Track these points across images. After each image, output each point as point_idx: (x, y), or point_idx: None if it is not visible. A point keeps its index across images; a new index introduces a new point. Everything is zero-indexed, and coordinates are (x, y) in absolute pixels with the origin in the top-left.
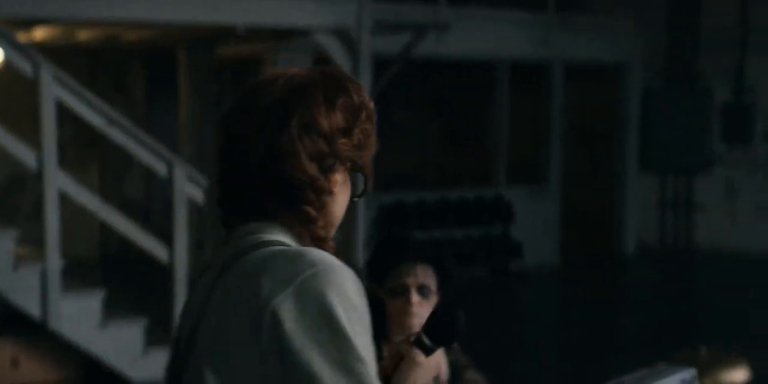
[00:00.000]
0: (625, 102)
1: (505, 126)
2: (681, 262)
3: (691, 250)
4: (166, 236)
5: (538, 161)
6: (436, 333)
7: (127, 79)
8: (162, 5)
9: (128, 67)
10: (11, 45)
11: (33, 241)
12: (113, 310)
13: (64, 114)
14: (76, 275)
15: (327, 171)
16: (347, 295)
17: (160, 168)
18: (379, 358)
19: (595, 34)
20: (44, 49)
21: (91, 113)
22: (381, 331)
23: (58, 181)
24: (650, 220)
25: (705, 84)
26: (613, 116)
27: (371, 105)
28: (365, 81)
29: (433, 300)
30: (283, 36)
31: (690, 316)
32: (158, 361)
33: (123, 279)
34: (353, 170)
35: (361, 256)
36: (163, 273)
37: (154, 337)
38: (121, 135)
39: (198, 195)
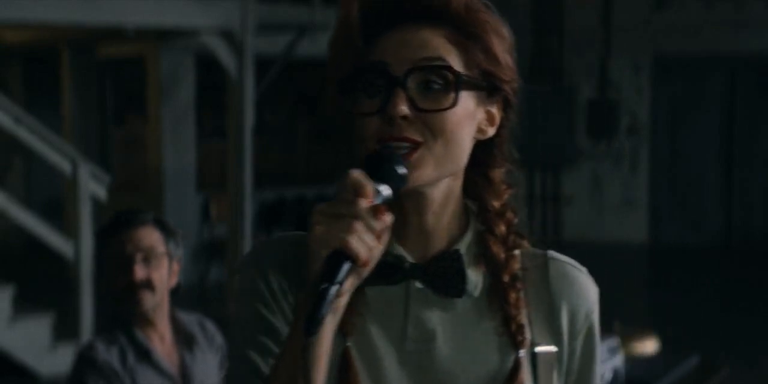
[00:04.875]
0: None
1: None
2: None
3: (560, 242)
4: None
5: None
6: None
7: (6, 77)
8: (44, 5)
9: (7, 66)
10: None
11: None
12: (20, 304)
13: None
14: None
15: None
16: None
17: (65, 166)
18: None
19: None
20: None
21: None
22: None
23: None
24: (519, 214)
25: (570, 82)
26: None
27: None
28: (248, 82)
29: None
30: (166, 36)
31: None
32: (66, 356)
33: (25, 273)
34: None
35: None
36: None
37: (60, 332)
38: (27, 134)
39: (101, 192)
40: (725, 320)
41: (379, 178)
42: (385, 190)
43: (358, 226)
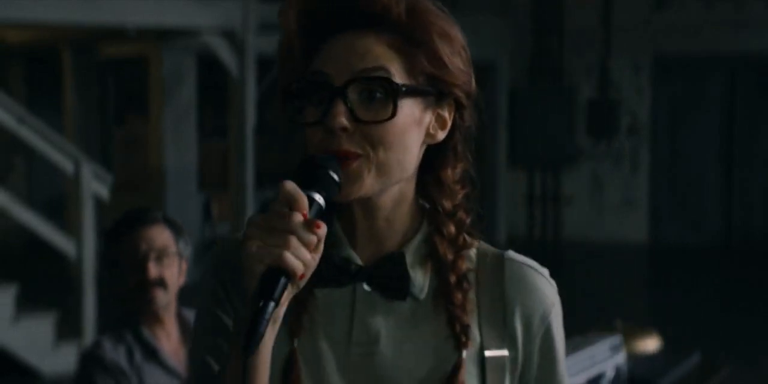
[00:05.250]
0: (493, 100)
1: None
2: (549, 252)
3: (559, 242)
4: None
5: None
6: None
7: (8, 77)
8: (45, 5)
9: (8, 66)
10: None
11: None
12: (22, 303)
13: None
14: None
15: None
16: None
17: (67, 165)
18: None
19: (468, 34)
20: None
21: (1, 112)
22: None
23: None
24: (519, 213)
25: (570, 82)
26: (483, 114)
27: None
28: (250, 81)
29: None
30: (167, 36)
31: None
32: (68, 355)
33: (28, 272)
34: None
35: None
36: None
37: (63, 331)
38: (30, 133)
39: (103, 191)
40: (725, 320)
41: (313, 185)
42: (320, 200)
43: (293, 241)
